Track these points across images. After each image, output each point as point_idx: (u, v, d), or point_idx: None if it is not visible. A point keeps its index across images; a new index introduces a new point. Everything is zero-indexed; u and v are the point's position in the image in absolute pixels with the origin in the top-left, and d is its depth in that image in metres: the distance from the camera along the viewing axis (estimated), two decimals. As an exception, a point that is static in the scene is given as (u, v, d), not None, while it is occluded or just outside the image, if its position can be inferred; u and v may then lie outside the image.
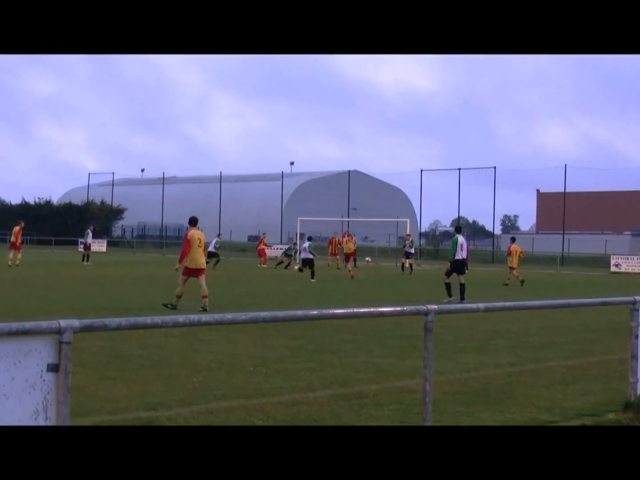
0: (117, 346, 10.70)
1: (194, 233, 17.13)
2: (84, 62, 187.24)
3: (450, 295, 20.33)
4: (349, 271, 32.17)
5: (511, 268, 30.24)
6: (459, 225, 22.73)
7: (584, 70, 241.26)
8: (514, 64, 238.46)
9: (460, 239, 21.03)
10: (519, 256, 31.06)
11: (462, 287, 20.63)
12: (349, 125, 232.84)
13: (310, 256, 31.48)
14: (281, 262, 39.73)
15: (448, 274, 20.83)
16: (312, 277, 30.25)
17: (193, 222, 17.73)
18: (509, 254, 30.96)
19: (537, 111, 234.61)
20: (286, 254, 41.19)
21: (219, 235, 40.30)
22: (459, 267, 20.91)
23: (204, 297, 16.50)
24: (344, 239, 37.39)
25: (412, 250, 39.28)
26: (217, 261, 36.68)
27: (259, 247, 43.11)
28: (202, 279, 16.72)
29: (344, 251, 35.63)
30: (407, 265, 37.55)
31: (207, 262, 35.07)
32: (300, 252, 33.45)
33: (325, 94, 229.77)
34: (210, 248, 37.83)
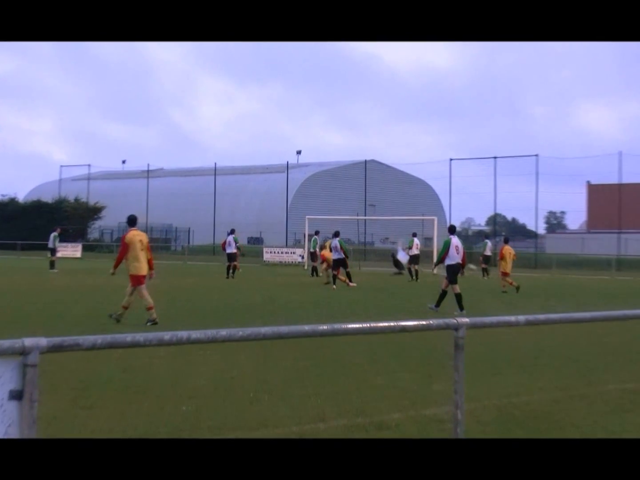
0: (93, 369, 10.71)
1: (133, 235, 16.68)
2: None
3: (461, 307, 20.32)
4: (344, 281, 31.16)
5: (504, 274, 30.21)
6: (453, 225, 22.76)
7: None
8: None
9: (455, 240, 21.01)
10: (513, 259, 31.24)
11: (443, 294, 20.71)
12: (356, 109, 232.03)
13: (343, 256, 30.99)
14: (316, 267, 39.66)
15: (453, 281, 20.74)
16: (350, 281, 30.33)
17: (132, 222, 17.15)
18: (501, 257, 30.87)
19: (574, 91, 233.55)
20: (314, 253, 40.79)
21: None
22: (454, 273, 20.86)
23: (123, 307, 16.53)
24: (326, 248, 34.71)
25: (410, 253, 38.15)
26: (235, 268, 36.85)
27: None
28: (134, 288, 16.63)
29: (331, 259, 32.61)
30: (412, 270, 37.05)
31: (229, 276, 35.01)
32: (332, 252, 32.04)
33: (326, 74, 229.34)
34: (232, 249, 37.49)
